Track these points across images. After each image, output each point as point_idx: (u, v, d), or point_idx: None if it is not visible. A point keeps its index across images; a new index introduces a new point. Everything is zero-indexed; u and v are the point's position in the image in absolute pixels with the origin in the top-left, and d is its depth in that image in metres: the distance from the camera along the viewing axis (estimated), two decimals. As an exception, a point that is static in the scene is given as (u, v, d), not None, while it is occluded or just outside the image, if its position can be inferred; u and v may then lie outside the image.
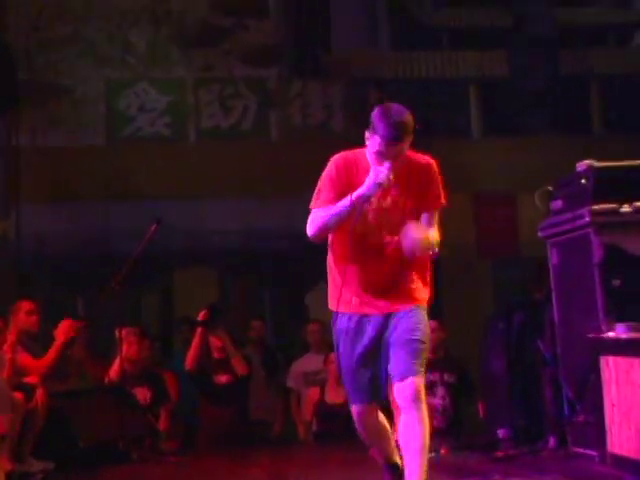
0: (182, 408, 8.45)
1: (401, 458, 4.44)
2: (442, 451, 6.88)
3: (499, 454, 6.58)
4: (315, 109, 11.09)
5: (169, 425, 8.15)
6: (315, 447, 8.04)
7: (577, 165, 6.31)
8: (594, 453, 5.86)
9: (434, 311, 7.19)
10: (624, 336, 5.54)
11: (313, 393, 8.35)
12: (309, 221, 4.35)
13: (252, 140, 11.00)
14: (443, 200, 4.50)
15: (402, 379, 4.20)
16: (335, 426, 7.69)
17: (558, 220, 6.48)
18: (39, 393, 7.05)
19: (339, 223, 4.27)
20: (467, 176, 10.70)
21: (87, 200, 10.32)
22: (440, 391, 8.13)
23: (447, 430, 7.96)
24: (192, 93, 10.98)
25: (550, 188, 6.69)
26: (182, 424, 8.39)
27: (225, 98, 11.04)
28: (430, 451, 6.43)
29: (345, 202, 4.19)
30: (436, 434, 7.38)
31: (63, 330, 7.52)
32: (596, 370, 5.77)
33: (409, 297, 4.42)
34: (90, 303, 9.77)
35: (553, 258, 6.61)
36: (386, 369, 4.29)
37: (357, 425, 4.47)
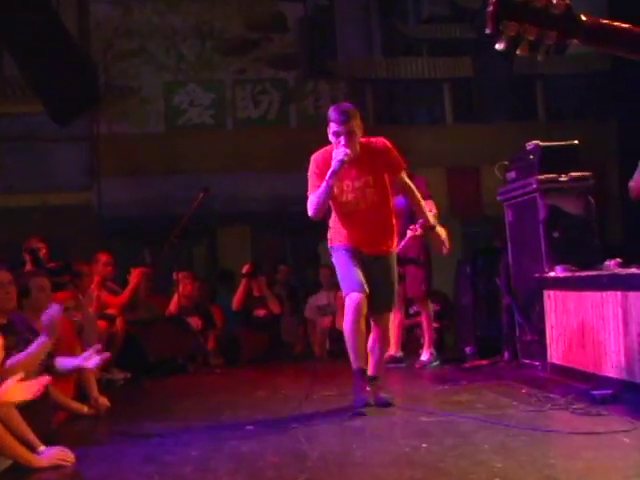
0: (226, 334, 8.50)
1: (366, 364, 4.72)
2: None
3: (466, 365, 6.62)
4: (324, 102, 10.98)
5: (215, 346, 8.21)
6: (327, 362, 8.08)
7: (527, 145, 6.30)
8: (537, 363, 5.93)
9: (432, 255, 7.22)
10: (561, 275, 5.60)
11: (325, 321, 8.40)
12: (308, 205, 4.64)
13: (276, 127, 10.92)
14: (403, 163, 4.74)
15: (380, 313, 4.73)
16: (343, 346, 7.74)
17: (512, 187, 6.48)
18: (118, 321, 7.17)
19: (325, 199, 4.55)
20: (442, 153, 10.72)
21: (151, 174, 10.30)
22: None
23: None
24: (230, 91, 10.89)
25: (506, 162, 6.66)
26: (226, 346, 8.43)
27: (255, 94, 10.97)
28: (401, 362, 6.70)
29: (323, 183, 4.50)
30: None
31: (135, 276, 7.62)
32: (540, 301, 5.83)
33: (385, 246, 4.74)
34: (154, 253, 9.84)
35: (508, 216, 6.61)
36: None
37: (350, 316, 4.51)
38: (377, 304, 4.69)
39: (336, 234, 4.77)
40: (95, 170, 10.45)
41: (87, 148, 10.49)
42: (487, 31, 1.79)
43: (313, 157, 4.71)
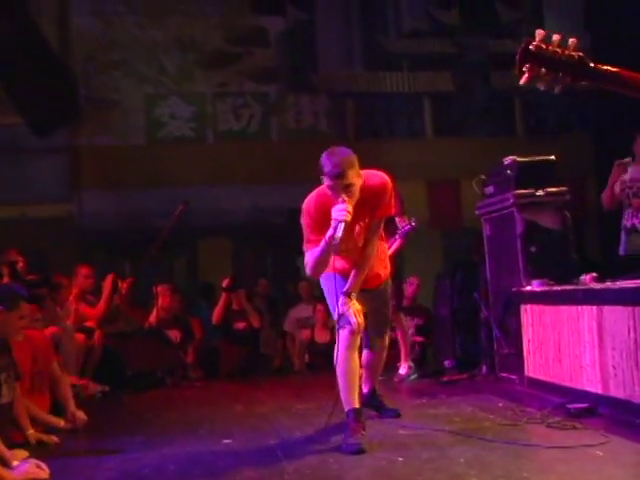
0: (206, 347, 8.49)
1: (360, 400, 4.25)
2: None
3: (445, 379, 6.64)
4: (305, 116, 11.04)
5: (195, 358, 8.19)
6: (306, 375, 8.06)
7: (504, 159, 6.33)
8: (515, 377, 5.95)
9: (399, 269, 7.28)
10: (538, 289, 5.64)
11: (304, 334, 8.41)
12: (305, 263, 4.16)
13: (257, 140, 10.88)
14: (391, 211, 4.31)
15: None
16: (322, 359, 7.76)
17: (490, 201, 6.50)
18: (96, 334, 7.15)
19: (324, 260, 4.05)
20: (422, 167, 10.76)
21: (131, 187, 10.25)
22: (411, 331, 8.23)
23: (415, 359, 8.07)
24: (211, 104, 10.88)
25: (484, 177, 6.68)
26: (205, 359, 8.41)
27: (236, 108, 10.96)
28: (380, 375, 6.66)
29: (322, 244, 3.97)
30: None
31: (107, 283, 7.61)
32: (517, 315, 5.86)
33: (377, 280, 4.50)
34: (134, 266, 9.81)
35: (486, 230, 6.62)
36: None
37: (343, 349, 4.10)
38: (370, 330, 4.45)
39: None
40: (75, 182, 10.40)
41: (67, 160, 10.43)
42: (515, 71, 2.25)
43: (305, 206, 4.18)
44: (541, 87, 2.30)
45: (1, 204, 9.97)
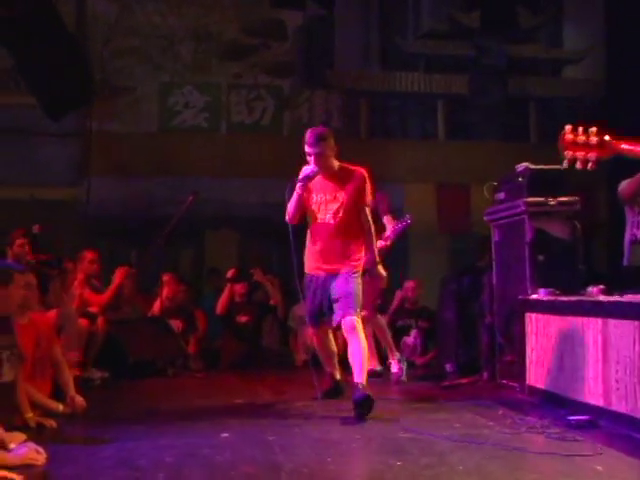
0: (208, 338, 8.50)
1: (340, 375, 5.63)
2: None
3: (446, 383, 6.59)
4: (319, 111, 11.05)
5: (197, 349, 8.19)
6: (307, 371, 8.08)
7: (517, 166, 6.30)
8: (516, 384, 5.91)
9: (406, 271, 7.27)
10: (544, 298, 5.61)
11: (307, 331, 8.37)
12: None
13: (269, 134, 10.93)
14: (369, 200, 5.33)
15: (343, 317, 5.10)
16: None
17: (500, 208, 6.47)
18: (99, 320, 7.15)
19: (294, 206, 5.22)
20: (433, 170, 10.76)
21: (141, 174, 10.27)
22: (414, 333, 8.20)
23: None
24: (225, 95, 10.91)
25: (495, 183, 6.66)
26: (207, 350, 8.41)
27: (250, 100, 10.98)
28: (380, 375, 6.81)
29: (294, 193, 5.19)
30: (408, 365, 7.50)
31: (119, 274, 7.60)
32: (521, 322, 5.84)
33: (345, 263, 5.22)
34: (140, 254, 9.80)
35: (495, 236, 6.59)
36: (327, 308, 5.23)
37: (314, 342, 5.56)
38: (337, 313, 5.15)
39: (307, 259, 5.40)
40: (85, 167, 10.38)
41: (78, 144, 10.43)
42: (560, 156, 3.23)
43: (303, 169, 5.24)
44: (579, 166, 3.18)
45: (10, 185, 9.98)
